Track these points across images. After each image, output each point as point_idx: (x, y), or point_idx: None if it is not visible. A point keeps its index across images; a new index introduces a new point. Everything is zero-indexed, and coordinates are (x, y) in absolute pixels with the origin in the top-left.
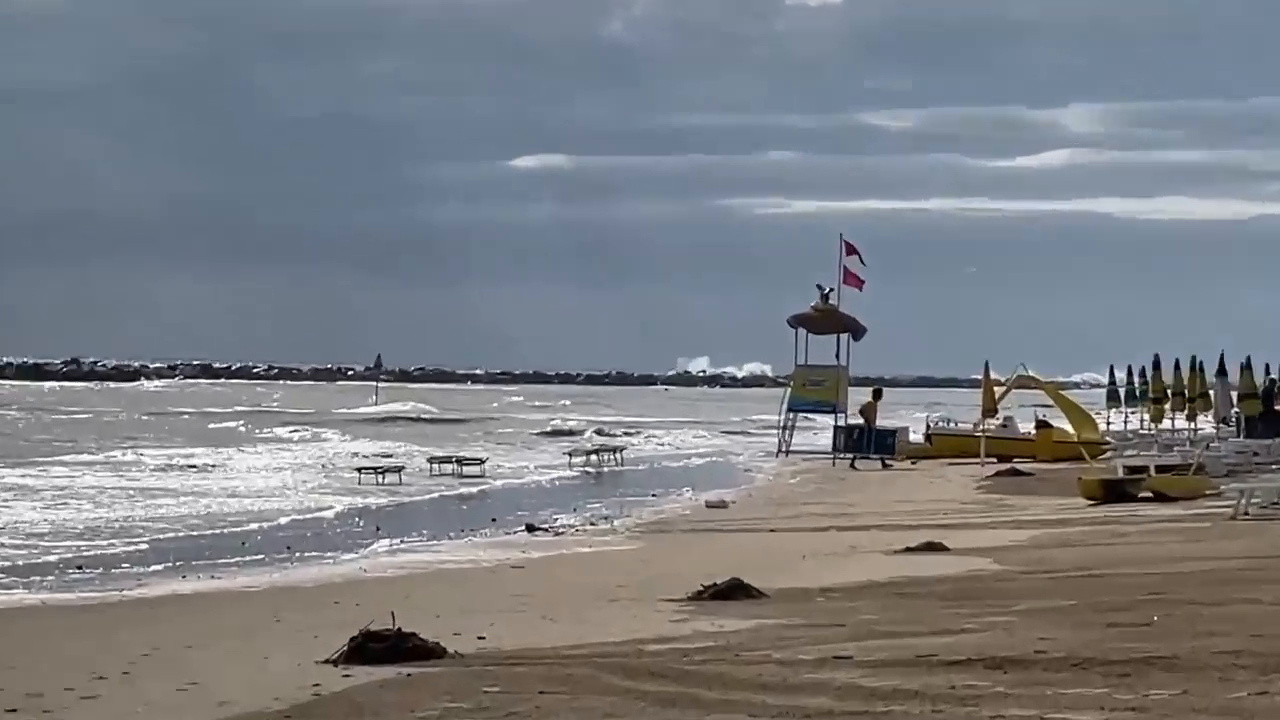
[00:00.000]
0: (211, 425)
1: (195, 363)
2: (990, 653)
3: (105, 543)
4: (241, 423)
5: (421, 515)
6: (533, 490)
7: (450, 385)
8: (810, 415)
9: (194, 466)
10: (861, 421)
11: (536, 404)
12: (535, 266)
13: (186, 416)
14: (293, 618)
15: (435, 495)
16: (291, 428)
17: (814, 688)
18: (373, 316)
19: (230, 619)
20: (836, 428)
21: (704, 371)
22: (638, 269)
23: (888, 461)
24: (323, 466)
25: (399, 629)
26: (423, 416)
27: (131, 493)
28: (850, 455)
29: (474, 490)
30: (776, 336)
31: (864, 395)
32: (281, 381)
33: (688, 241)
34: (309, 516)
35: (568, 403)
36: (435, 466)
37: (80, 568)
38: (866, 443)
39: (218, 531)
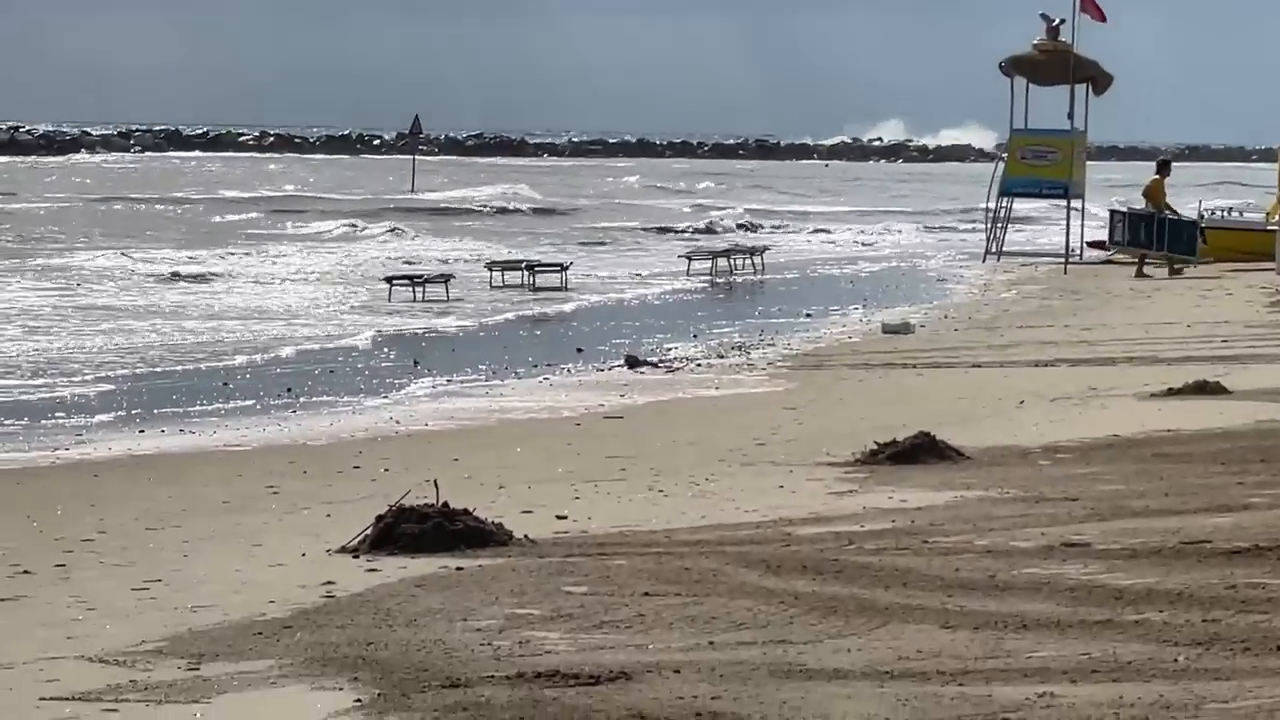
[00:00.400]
0: (217, 218)
1: (158, 128)
2: None
3: (36, 383)
4: (257, 213)
5: (478, 344)
6: (636, 309)
7: (521, 160)
8: (1048, 199)
9: (177, 276)
10: (1148, 208)
11: (659, 185)
12: None
13: (159, 206)
14: (295, 488)
15: (498, 317)
16: (329, 222)
17: (1035, 587)
18: (405, 60)
19: (207, 489)
20: (1115, 214)
21: (880, 140)
22: None
23: (1177, 264)
24: (346, 276)
25: (444, 504)
26: (525, 208)
27: (73, 314)
28: (1139, 253)
29: (553, 310)
30: (984, 89)
31: (1109, 173)
32: (281, 155)
33: None
34: (320, 347)
35: (710, 184)
36: (497, 275)
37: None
38: (1157, 236)
39: (190, 367)
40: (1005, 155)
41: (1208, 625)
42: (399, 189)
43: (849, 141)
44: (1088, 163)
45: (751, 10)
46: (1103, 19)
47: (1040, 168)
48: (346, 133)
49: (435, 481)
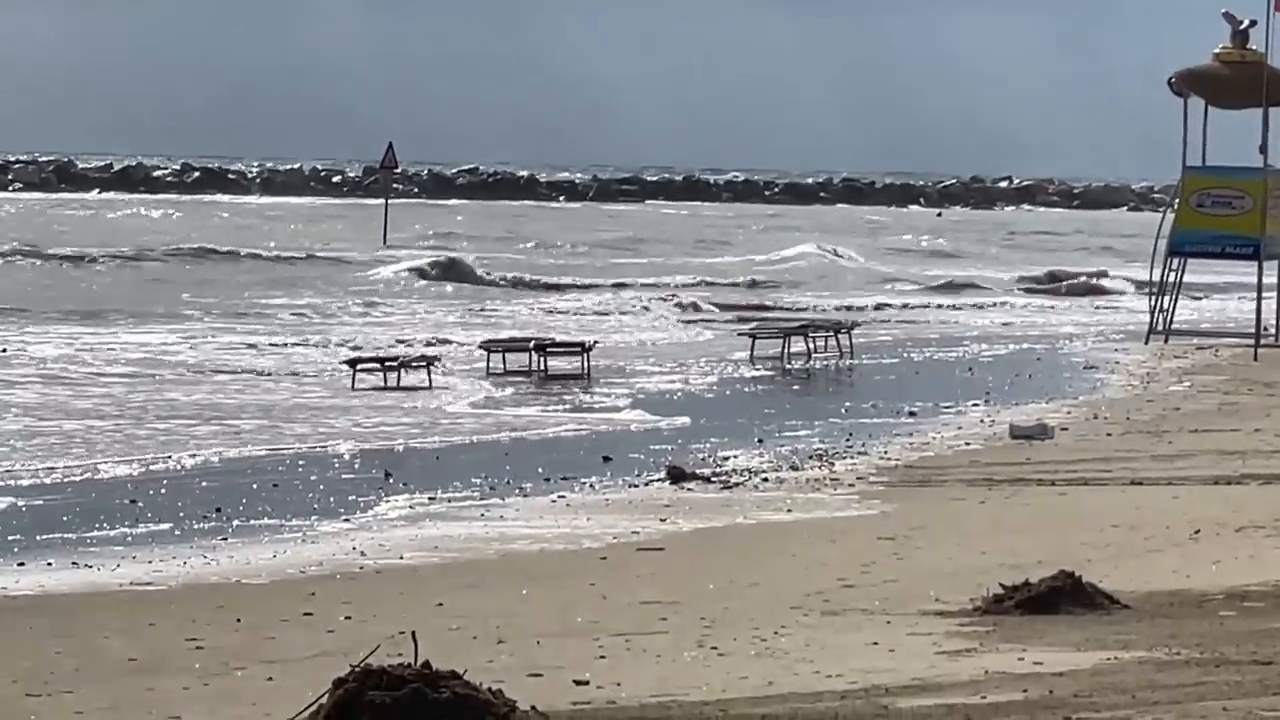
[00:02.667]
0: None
1: (44, 159)
2: None
3: None
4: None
5: (471, 449)
6: (682, 402)
7: (527, 202)
8: (1233, 260)
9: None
10: None
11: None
12: None
13: (34, 262)
14: (225, 641)
15: (499, 414)
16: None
17: None
18: (372, 71)
19: (108, 643)
20: None
21: (1012, 180)
22: None
23: None
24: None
25: (425, 664)
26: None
27: None
28: None
29: (571, 405)
30: (1148, 113)
31: None
32: (212, 195)
33: None
34: (261, 452)
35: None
36: (495, 359)
37: None
38: None
39: (85, 478)
40: (1176, 202)
41: None
42: (367, 249)
43: (965, 181)
44: None
45: (821, 7)
46: None
47: (1223, 219)
48: (296, 166)
49: (414, 634)
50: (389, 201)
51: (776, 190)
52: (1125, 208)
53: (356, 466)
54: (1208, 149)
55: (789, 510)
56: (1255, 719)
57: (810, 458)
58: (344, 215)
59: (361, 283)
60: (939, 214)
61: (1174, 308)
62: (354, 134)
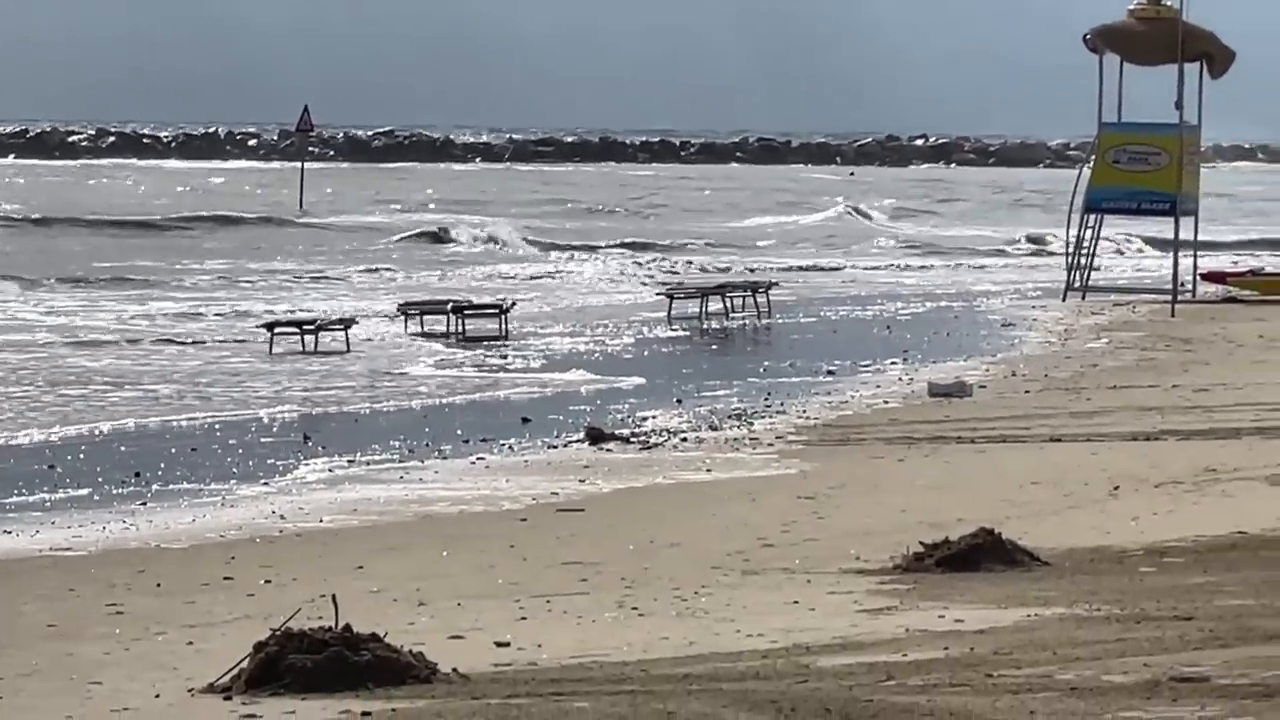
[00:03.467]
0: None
1: None
2: None
3: None
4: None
5: (389, 412)
6: (603, 362)
7: (449, 165)
8: (1149, 216)
9: None
10: None
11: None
12: None
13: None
14: (145, 606)
15: (417, 377)
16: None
17: None
18: (287, 34)
19: (27, 609)
20: None
21: (925, 138)
22: None
23: None
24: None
25: (346, 627)
26: None
27: None
28: None
29: (491, 368)
30: (1063, 70)
31: (1227, 178)
32: (127, 160)
33: None
34: (178, 419)
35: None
36: (413, 322)
37: None
38: None
39: (2, 443)
40: (1092, 158)
41: None
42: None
43: (882, 140)
44: (1203, 168)
45: None
46: None
47: (1139, 175)
48: (212, 130)
49: (334, 597)
50: (304, 165)
51: (693, 150)
52: (1041, 165)
53: (275, 430)
54: (1123, 105)
55: (708, 470)
56: (1175, 674)
57: (729, 417)
58: (285, 180)
59: (365, 251)
60: (851, 174)
61: (1090, 265)
62: (269, 97)
